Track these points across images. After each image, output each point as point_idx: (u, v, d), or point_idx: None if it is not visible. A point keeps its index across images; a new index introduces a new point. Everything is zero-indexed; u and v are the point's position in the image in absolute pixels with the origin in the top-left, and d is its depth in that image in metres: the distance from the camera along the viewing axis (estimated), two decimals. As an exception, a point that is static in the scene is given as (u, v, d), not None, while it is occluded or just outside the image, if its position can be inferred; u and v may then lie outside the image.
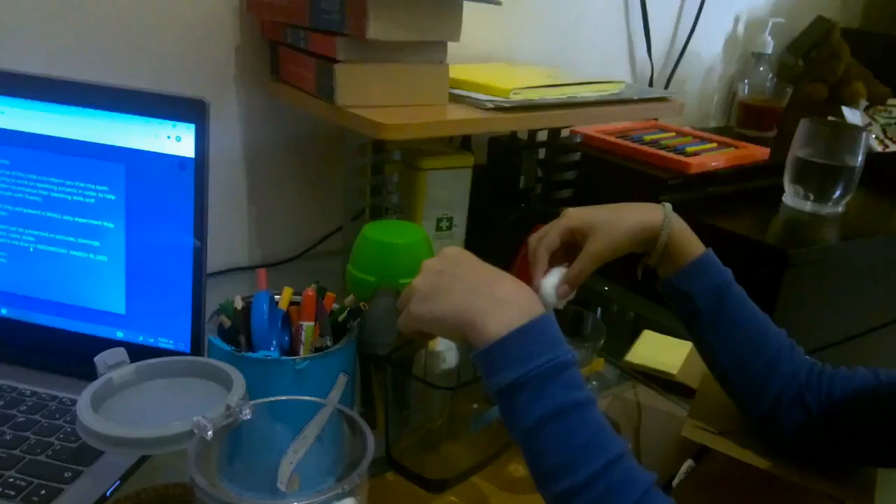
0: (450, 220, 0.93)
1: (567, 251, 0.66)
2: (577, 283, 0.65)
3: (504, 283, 0.52)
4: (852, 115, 1.33)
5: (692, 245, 0.65)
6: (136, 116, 0.64)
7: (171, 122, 0.63)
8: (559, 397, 0.47)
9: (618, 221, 0.65)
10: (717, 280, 0.64)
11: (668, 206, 0.66)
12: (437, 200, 0.91)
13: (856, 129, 1.12)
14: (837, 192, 1.05)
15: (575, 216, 0.66)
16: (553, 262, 0.66)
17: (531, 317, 0.48)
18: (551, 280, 0.64)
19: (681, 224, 0.66)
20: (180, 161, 0.64)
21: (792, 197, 1.09)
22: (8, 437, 0.59)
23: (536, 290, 0.65)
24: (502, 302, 0.50)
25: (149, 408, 0.52)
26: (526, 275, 0.66)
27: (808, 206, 1.07)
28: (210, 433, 0.45)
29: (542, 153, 1.02)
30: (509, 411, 0.48)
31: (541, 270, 0.65)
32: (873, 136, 1.30)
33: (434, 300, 0.52)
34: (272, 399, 0.51)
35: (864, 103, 1.41)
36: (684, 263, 0.64)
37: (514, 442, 0.49)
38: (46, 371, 0.68)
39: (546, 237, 0.66)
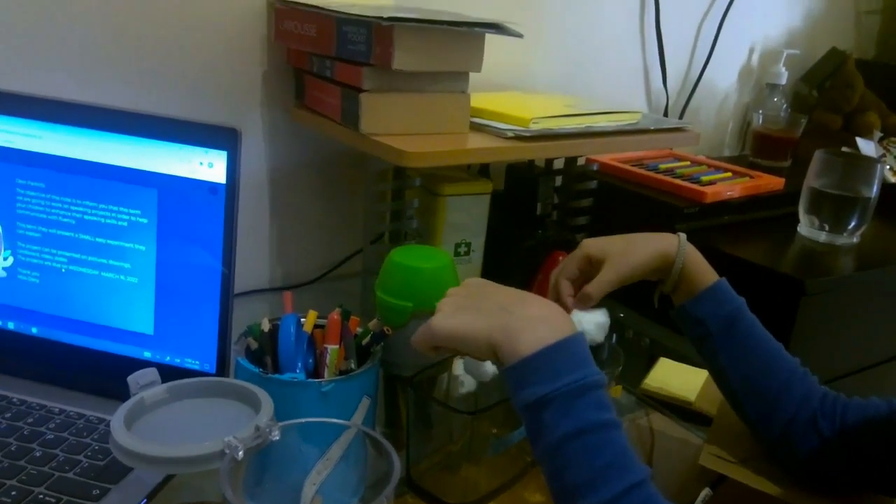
0: (468, 244, 0.94)
1: (588, 280, 0.68)
2: (584, 305, 0.68)
3: (535, 303, 0.53)
4: (866, 146, 1.34)
5: (706, 273, 0.67)
6: (170, 143, 0.66)
7: (203, 149, 0.65)
8: (586, 416, 0.47)
9: (632, 251, 0.67)
10: (730, 307, 0.66)
11: (683, 235, 0.68)
12: (456, 225, 0.92)
13: (871, 161, 1.13)
14: (852, 223, 1.06)
15: (591, 246, 0.69)
16: (575, 291, 0.68)
17: (563, 335, 0.49)
18: (593, 317, 0.66)
19: (695, 253, 0.67)
20: (211, 186, 0.66)
21: (807, 227, 1.10)
22: (38, 455, 0.60)
23: None
24: (534, 320, 0.50)
25: (179, 427, 0.54)
26: None
27: (823, 237, 1.08)
28: (241, 453, 0.46)
29: (558, 180, 1.04)
30: (535, 426, 0.48)
31: (565, 300, 0.68)
32: (888, 167, 1.30)
33: (463, 316, 0.53)
34: (301, 421, 0.52)
35: (878, 134, 1.42)
36: (698, 291, 0.66)
37: (537, 459, 0.49)
38: (75, 389, 0.69)
39: (565, 269, 0.69)
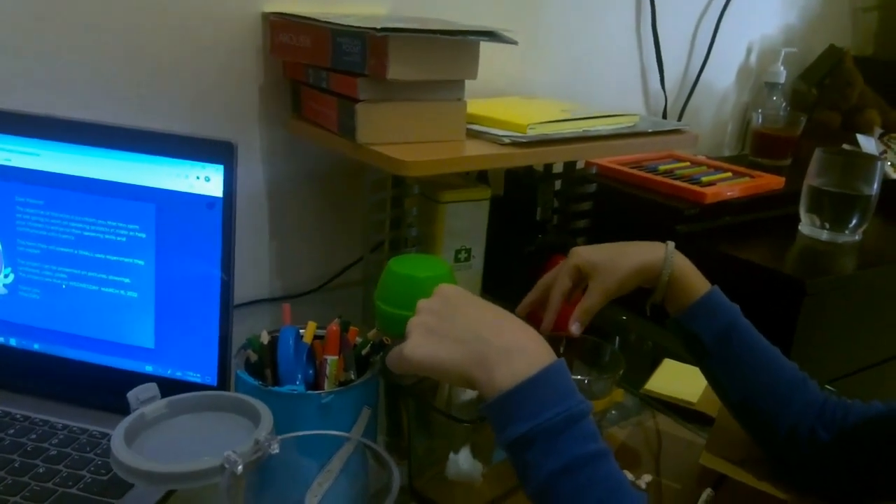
0: (468, 251, 0.94)
1: (582, 288, 0.69)
2: (586, 320, 0.68)
3: (511, 330, 0.50)
4: (867, 143, 1.34)
5: (696, 284, 0.66)
6: (167, 158, 0.66)
7: (200, 164, 0.66)
8: (573, 450, 0.45)
9: (619, 262, 0.67)
10: (723, 319, 0.64)
11: (671, 245, 0.67)
12: (456, 232, 0.92)
13: (871, 158, 1.13)
14: (853, 221, 1.06)
15: (580, 256, 0.69)
16: (569, 297, 0.69)
17: (542, 366, 0.47)
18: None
19: (684, 263, 0.67)
20: (209, 201, 0.66)
21: (808, 226, 1.10)
22: (41, 470, 0.61)
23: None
24: (511, 351, 0.48)
25: (179, 442, 0.54)
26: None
27: (824, 235, 1.08)
28: (240, 468, 0.47)
29: (558, 184, 1.04)
30: (522, 466, 0.46)
31: (554, 314, 0.69)
32: (888, 163, 1.30)
33: (436, 345, 0.50)
34: (300, 434, 0.52)
35: (878, 131, 1.41)
36: (688, 303, 0.65)
37: (529, 499, 0.46)
38: (77, 404, 0.69)
39: (558, 281, 0.69)
